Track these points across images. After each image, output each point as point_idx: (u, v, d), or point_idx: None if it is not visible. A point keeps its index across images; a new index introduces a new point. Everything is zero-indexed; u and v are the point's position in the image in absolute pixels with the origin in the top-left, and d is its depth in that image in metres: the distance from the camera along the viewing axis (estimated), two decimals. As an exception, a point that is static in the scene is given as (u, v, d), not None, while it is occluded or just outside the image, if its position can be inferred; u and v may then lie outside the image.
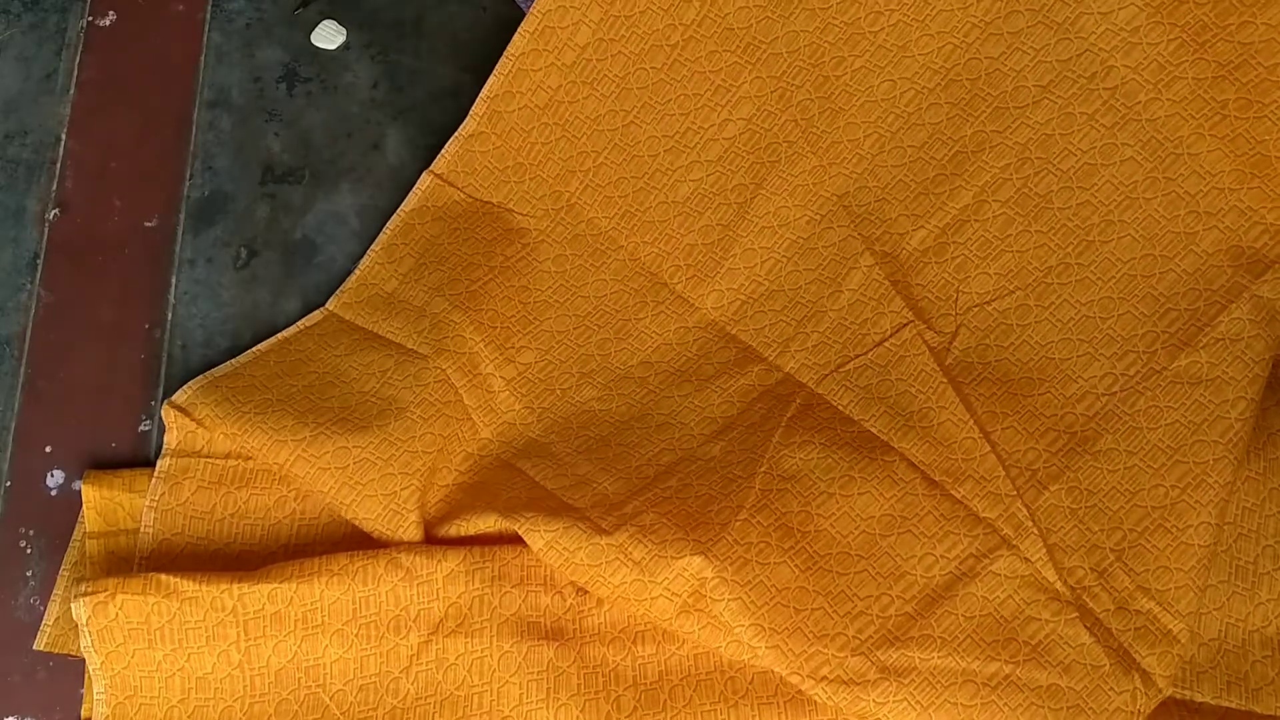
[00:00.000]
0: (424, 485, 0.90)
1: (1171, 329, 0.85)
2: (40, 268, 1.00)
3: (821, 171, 0.94)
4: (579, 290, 0.98)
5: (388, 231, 1.00)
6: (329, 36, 1.06)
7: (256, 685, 0.84)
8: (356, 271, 0.99)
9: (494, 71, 0.98)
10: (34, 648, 0.89)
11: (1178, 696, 0.83)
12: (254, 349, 0.96)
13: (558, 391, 0.95)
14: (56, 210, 1.01)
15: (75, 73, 1.05)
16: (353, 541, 0.90)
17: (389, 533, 0.89)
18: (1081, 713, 0.78)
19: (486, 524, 0.87)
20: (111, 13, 1.06)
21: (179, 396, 0.93)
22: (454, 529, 0.89)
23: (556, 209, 0.99)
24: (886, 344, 0.91)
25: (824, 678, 0.80)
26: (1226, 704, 0.82)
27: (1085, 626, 0.80)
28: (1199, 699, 0.83)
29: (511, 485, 0.90)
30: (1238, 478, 0.81)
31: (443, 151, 1.00)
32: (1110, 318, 0.86)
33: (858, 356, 0.91)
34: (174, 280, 1.00)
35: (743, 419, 0.92)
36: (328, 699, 0.84)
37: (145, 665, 0.83)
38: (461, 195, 1.00)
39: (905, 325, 0.91)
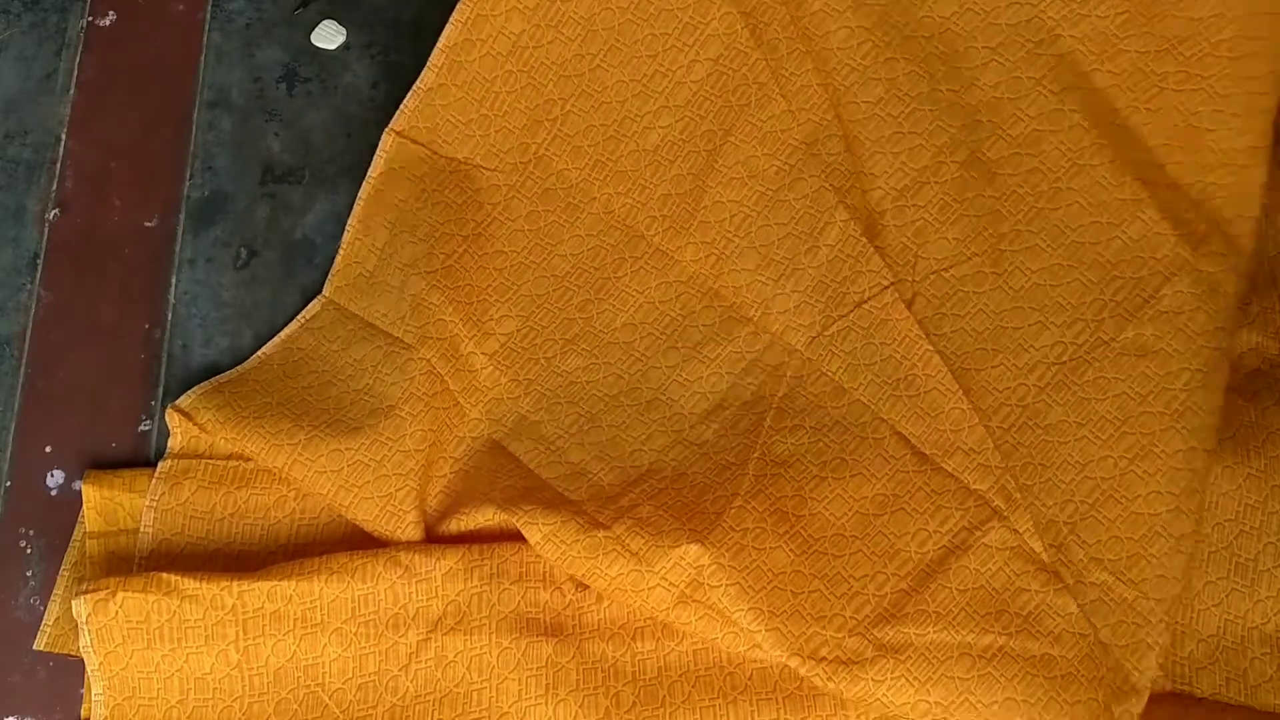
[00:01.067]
0: (420, 484, 0.90)
1: (1118, 298, 0.84)
2: (40, 268, 1.00)
3: (789, 117, 0.92)
4: (555, 249, 0.96)
5: (361, 201, 0.97)
6: (329, 36, 1.06)
7: (255, 685, 0.84)
8: (341, 250, 0.97)
9: (451, 20, 0.95)
10: (34, 647, 0.89)
11: (1174, 689, 0.83)
12: (259, 352, 0.96)
13: (542, 361, 0.94)
14: (56, 210, 1.01)
15: (75, 73, 1.05)
16: (352, 542, 0.90)
17: (388, 533, 0.89)
18: (1075, 681, 0.78)
19: (485, 517, 0.87)
20: (111, 13, 1.06)
21: (183, 401, 0.92)
22: (454, 524, 0.89)
23: (525, 162, 0.97)
24: (867, 305, 0.89)
25: (823, 659, 0.80)
26: (1224, 699, 0.82)
27: (1073, 596, 0.80)
28: (1198, 694, 0.83)
29: (507, 474, 0.90)
30: (1203, 453, 0.80)
31: (401, 107, 0.97)
32: (1060, 285, 0.85)
33: (840, 318, 0.89)
34: (174, 280, 1.00)
35: (734, 396, 0.90)
36: (327, 698, 0.84)
37: (144, 666, 0.83)
38: (426, 152, 0.97)
39: (887, 287, 0.89)
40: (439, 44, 0.96)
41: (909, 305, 0.88)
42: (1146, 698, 0.78)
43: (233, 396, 0.92)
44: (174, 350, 0.98)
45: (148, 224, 1.01)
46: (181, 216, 1.02)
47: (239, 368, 0.95)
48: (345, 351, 0.94)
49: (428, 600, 0.85)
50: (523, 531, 0.85)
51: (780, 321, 0.91)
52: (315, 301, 0.98)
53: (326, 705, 0.84)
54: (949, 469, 0.84)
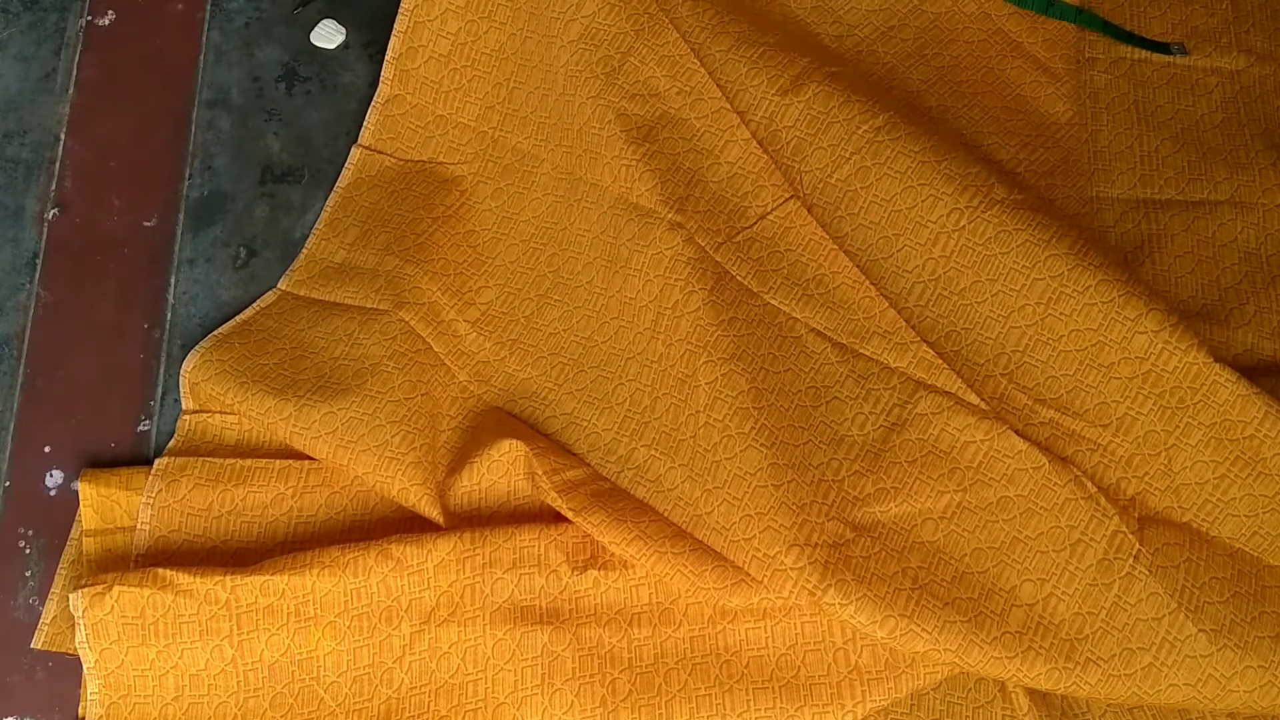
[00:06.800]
0: (415, 430, 0.90)
1: (1000, 158, 0.90)
2: (39, 267, 1.00)
3: (680, 44, 0.96)
4: (519, 215, 0.99)
5: (328, 209, 1.01)
6: (328, 36, 1.06)
7: (250, 680, 0.84)
8: (303, 251, 1.00)
9: (393, 33, 1.00)
10: (31, 645, 0.89)
11: None
12: (214, 333, 0.96)
13: (522, 320, 0.97)
14: (55, 210, 1.01)
15: (74, 72, 1.05)
16: (350, 539, 0.89)
17: (387, 479, 0.89)
18: (1034, 514, 0.83)
19: (503, 451, 0.89)
20: (111, 12, 1.06)
21: (188, 380, 0.94)
22: (466, 476, 0.90)
23: (483, 149, 1.01)
24: (770, 217, 0.93)
25: (816, 544, 0.83)
26: None
27: (1017, 433, 0.84)
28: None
29: (511, 428, 0.92)
30: (1117, 283, 0.82)
31: (365, 123, 1.02)
32: (945, 160, 0.87)
33: (745, 229, 0.93)
34: (173, 280, 1.00)
35: (666, 299, 0.92)
36: (322, 691, 0.84)
37: (139, 663, 0.83)
38: (392, 160, 1.02)
39: (788, 199, 0.93)
40: (386, 56, 1.01)
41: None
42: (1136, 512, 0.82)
43: (217, 378, 0.93)
44: (173, 350, 0.98)
45: (147, 224, 1.01)
46: (180, 216, 1.02)
47: (199, 346, 0.95)
48: (313, 328, 0.95)
49: (420, 592, 0.85)
50: (537, 463, 0.88)
51: (693, 221, 0.93)
52: (270, 293, 0.99)
53: (322, 699, 0.84)
54: (868, 353, 0.89)
